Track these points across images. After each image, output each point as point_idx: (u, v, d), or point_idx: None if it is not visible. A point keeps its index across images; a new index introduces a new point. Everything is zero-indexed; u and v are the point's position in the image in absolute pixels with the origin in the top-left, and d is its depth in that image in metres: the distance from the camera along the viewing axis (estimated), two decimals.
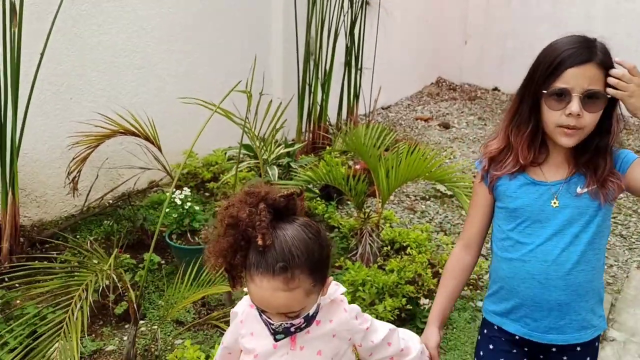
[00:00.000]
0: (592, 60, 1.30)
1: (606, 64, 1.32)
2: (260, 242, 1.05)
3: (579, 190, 1.38)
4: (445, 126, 5.45)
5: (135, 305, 2.02)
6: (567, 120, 1.31)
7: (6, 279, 2.75)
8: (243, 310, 1.26)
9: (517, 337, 1.49)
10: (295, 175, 3.02)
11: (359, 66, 4.59)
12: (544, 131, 1.39)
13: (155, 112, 3.49)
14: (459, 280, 1.55)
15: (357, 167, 3.59)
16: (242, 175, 3.36)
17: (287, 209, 1.12)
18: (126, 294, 2.22)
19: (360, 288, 2.43)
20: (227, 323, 2.51)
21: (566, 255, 1.39)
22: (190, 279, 2.39)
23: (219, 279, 2.44)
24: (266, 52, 4.46)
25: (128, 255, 2.88)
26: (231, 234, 1.08)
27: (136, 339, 2.21)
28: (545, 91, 1.33)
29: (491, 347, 1.54)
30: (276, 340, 1.17)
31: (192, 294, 2.37)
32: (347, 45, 4.47)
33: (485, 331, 1.58)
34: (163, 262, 3.02)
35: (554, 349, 1.48)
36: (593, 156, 1.38)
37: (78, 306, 1.71)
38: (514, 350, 1.50)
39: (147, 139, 3.34)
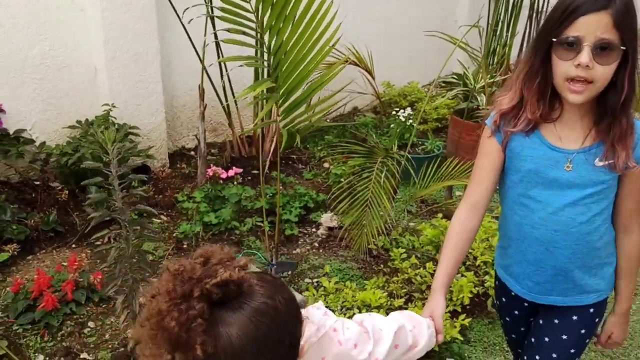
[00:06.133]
0: (608, 8, 1.17)
1: (621, 18, 1.18)
2: (200, 354, 0.85)
3: (597, 162, 1.30)
4: None
5: (395, 184, 2.72)
6: (575, 72, 1.21)
7: (265, 173, 3.59)
8: None
9: (518, 295, 1.49)
10: None
11: (541, 9, 4.85)
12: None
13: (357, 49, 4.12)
14: (464, 245, 1.45)
15: None
16: (446, 102, 3.91)
17: (227, 295, 0.89)
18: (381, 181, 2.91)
19: None
20: (445, 213, 3.14)
21: (578, 226, 1.34)
22: (419, 180, 3.03)
23: (431, 183, 3.06)
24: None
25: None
26: (163, 338, 0.87)
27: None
28: (555, 39, 1.23)
29: (504, 299, 1.58)
30: None
31: (418, 191, 3.01)
32: None
33: (497, 282, 1.59)
34: None
35: (555, 308, 1.46)
36: (611, 120, 1.27)
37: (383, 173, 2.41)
38: (525, 304, 1.51)
39: (366, 69, 4.02)
